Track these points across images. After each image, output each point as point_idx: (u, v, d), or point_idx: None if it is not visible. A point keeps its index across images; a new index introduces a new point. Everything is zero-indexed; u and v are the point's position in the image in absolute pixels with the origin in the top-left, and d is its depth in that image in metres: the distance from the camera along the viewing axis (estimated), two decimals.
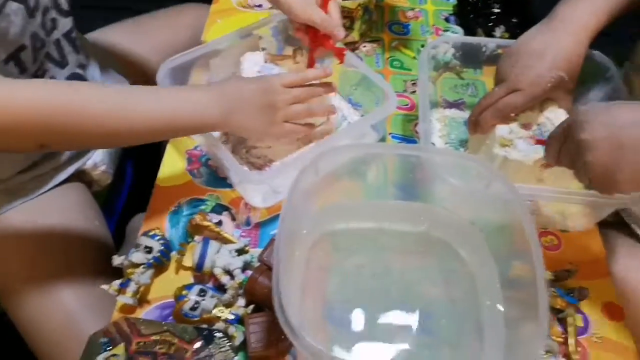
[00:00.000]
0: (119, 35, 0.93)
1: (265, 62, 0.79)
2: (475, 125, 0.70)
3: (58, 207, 0.77)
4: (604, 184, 0.55)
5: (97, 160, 0.84)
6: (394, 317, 0.59)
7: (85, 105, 0.57)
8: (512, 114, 0.68)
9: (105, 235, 0.82)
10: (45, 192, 0.77)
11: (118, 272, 0.67)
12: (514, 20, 0.92)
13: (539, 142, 0.67)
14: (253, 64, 0.79)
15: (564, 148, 0.58)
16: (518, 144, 0.67)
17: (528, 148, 0.67)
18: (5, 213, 0.73)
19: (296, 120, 0.69)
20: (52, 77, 0.73)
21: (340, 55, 0.74)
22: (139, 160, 1.02)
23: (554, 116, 0.68)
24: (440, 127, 0.80)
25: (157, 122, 0.61)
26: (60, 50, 0.73)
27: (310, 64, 0.74)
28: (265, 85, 0.68)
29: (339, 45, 0.74)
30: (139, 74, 0.92)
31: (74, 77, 0.77)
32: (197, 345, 0.54)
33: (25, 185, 0.75)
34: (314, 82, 0.71)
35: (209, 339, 0.54)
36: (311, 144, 0.76)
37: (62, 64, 0.74)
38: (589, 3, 0.68)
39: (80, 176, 0.83)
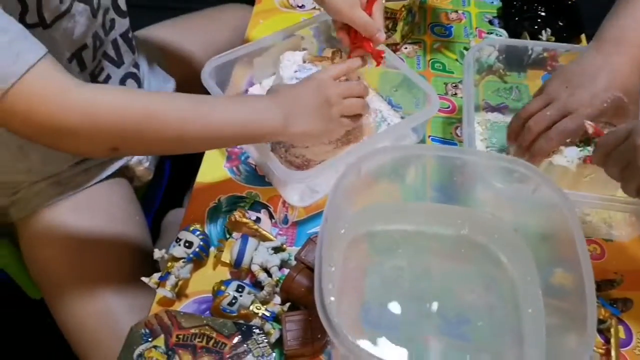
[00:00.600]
0: (164, 33, 0.95)
1: (304, 62, 0.80)
2: (528, 156, 0.67)
3: (102, 202, 0.79)
4: None
5: (141, 157, 0.86)
6: (431, 321, 0.58)
7: (161, 110, 0.58)
8: (568, 140, 0.65)
9: (144, 231, 0.84)
10: (91, 186, 0.79)
11: (155, 268, 0.68)
12: (560, 23, 0.90)
13: (597, 132, 0.63)
14: (292, 62, 0.79)
15: (618, 150, 0.55)
16: (564, 150, 0.65)
17: (574, 154, 0.65)
18: (54, 204, 0.76)
19: (351, 113, 0.70)
20: (108, 76, 0.75)
21: (378, 57, 0.74)
22: (176, 156, 1.04)
23: None
24: (482, 131, 0.79)
25: (226, 131, 0.63)
26: (117, 49, 0.76)
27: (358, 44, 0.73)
28: (315, 82, 0.68)
29: (379, 47, 0.74)
30: (183, 71, 0.94)
31: (129, 76, 0.79)
32: (236, 340, 0.54)
33: (74, 178, 0.77)
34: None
35: (247, 334, 0.55)
36: (350, 145, 0.76)
37: (118, 63, 0.76)
38: (631, 19, 0.65)
39: (123, 172, 0.85)
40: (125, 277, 0.74)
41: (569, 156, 0.64)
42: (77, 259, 0.74)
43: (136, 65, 0.80)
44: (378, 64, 0.75)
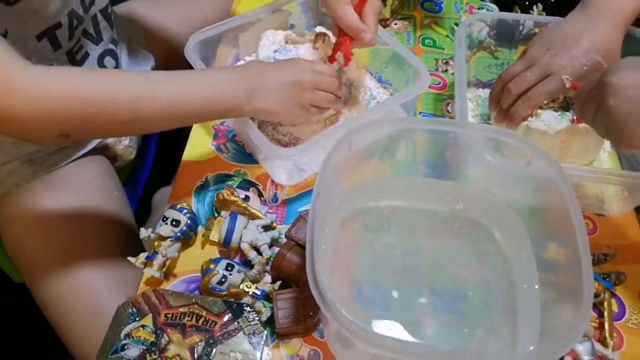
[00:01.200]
0: (144, 8, 0.92)
1: (286, 42, 0.77)
2: (507, 119, 0.67)
3: (78, 179, 0.77)
4: (619, 134, 0.52)
5: None
6: (425, 297, 0.58)
7: (110, 93, 0.55)
8: (545, 102, 0.65)
9: (125, 207, 0.81)
10: (66, 164, 0.77)
11: (139, 246, 0.66)
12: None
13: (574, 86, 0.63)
14: (271, 42, 0.77)
15: (590, 96, 0.55)
16: (542, 114, 0.65)
17: (551, 118, 0.65)
18: (28, 185, 0.73)
19: (321, 107, 0.68)
20: (86, 54, 0.72)
21: (346, 59, 0.70)
22: (162, 135, 1.02)
23: None
24: (473, 107, 0.78)
25: (183, 108, 0.60)
26: (96, 26, 0.73)
27: (331, 59, 0.71)
28: (293, 63, 0.67)
29: (355, 49, 0.70)
30: (166, 47, 0.91)
31: (107, 53, 0.76)
32: (226, 318, 0.53)
33: (49, 158, 0.75)
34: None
35: (237, 312, 0.53)
36: (338, 123, 0.75)
37: (96, 40, 0.74)
38: None
39: (104, 151, 0.83)
40: (107, 255, 0.72)
41: (546, 120, 0.64)
42: (54, 237, 0.72)
43: (114, 42, 0.77)
44: (345, 64, 0.72)
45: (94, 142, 0.80)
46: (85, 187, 0.77)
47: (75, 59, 0.71)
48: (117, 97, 0.56)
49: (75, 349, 0.71)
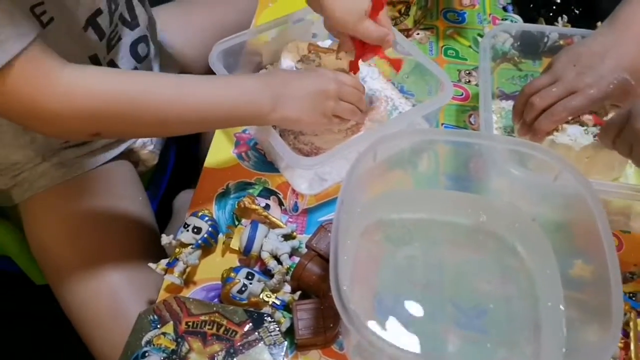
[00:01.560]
0: (168, 15, 0.93)
1: (310, 51, 0.77)
2: (530, 132, 0.66)
3: (105, 183, 0.78)
4: None
5: (146, 140, 0.85)
6: (446, 312, 0.57)
7: (141, 95, 0.57)
8: (570, 118, 0.64)
9: (148, 213, 0.82)
10: (94, 168, 0.78)
11: (160, 251, 0.67)
12: (577, 11, 0.88)
13: (597, 121, 0.64)
14: (294, 54, 0.77)
15: (623, 133, 0.55)
16: (568, 128, 0.64)
17: (577, 133, 0.64)
18: (56, 187, 0.74)
19: (344, 117, 0.68)
20: (119, 38, 0.73)
21: (397, 65, 0.72)
22: (181, 140, 1.03)
23: None
24: (497, 119, 0.77)
25: (211, 114, 0.61)
26: (132, 10, 0.73)
27: (354, 70, 0.72)
28: (318, 73, 0.67)
29: (394, 55, 0.72)
30: (190, 55, 0.92)
31: (142, 40, 0.76)
32: (247, 327, 0.53)
33: (79, 160, 0.76)
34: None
35: (258, 322, 0.53)
36: (360, 133, 0.75)
37: (132, 25, 0.74)
38: None
39: (128, 155, 0.84)
40: (130, 259, 0.73)
41: (572, 135, 0.63)
42: (81, 240, 0.73)
43: (148, 28, 0.78)
44: (397, 69, 0.74)
45: (122, 147, 0.80)
46: (112, 191, 0.78)
47: (111, 45, 0.72)
48: (148, 97, 0.57)
49: (96, 351, 0.71)
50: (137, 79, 0.60)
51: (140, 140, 0.83)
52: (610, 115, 0.65)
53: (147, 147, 0.85)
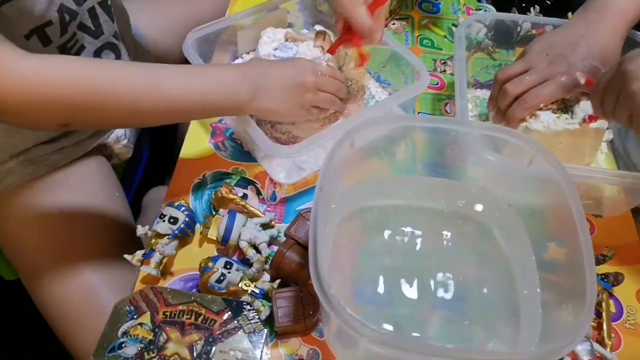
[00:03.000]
0: (144, 6, 0.91)
1: (287, 40, 0.77)
2: (505, 120, 0.67)
3: (79, 179, 0.76)
4: None
5: (120, 134, 0.83)
6: (425, 297, 0.57)
7: (110, 84, 0.55)
8: (542, 105, 0.65)
9: (125, 208, 0.81)
10: (66, 165, 0.76)
11: (138, 246, 0.65)
12: (548, 2, 0.89)
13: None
14: (272, 40, 0.77)
15: (609, 86, 0.55)
16: (541, 115, 0.65)
17: (550, 120, 0.65)
18: (27, 184, 0.72)
19: (323, 107, 0.68)
20: (82, 47, 0.71)
21: (362, 59, 0.72)
22: (156, 135, 1.01)
23: (588, 108, 0.66)
24: (472, 108, 0.78)
25: (184, 103, 0.59)
26: (95, 18, 0.71)
27: (332, 51, 0.72)
28: (296, 64, 0.67)
29: (366, 49, 0.72)
30: (165, 46, 0.90)
31: (107, 47, 0.74)
32: (226, 316, 0.52)
33: (48, 157, 0.74)
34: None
35: (237, 310, 0.53)
36: (337, 122, 0.74)
37: (96, 33, 0.72)
38: None
39: (100, 149, 0.82)
40: (106, 254, 0.71)
41: (545, 121, 0.64)
42: (55, 236, 0.71)
43: (116, 36, 0.76)
44: (361, 64, 0.74)
45: (95, 142, 0.79)
46: (85, 187, 0.76)
47: (69, 52, 0.70)
48: (117, 87, 0.55)
49: (72, 347, 0.70)
50: (107, 67, 0.58)
51: (113, 134, 0.82)
52: (580, 105, 0.66)
53: (121, 142, 0.83)
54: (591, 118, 0.63)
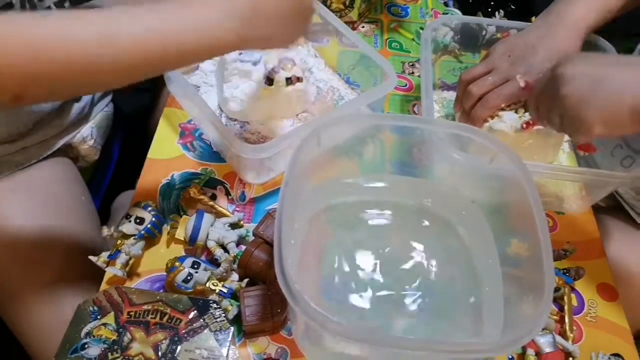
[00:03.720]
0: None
1: None
2: (469, 120, 0.69)
3: (43, 181, 0.75)
4: (574, 121, 0.53)
5: (86, 135, 0.82)
6: (392, 293, 0.58)
7: (62, 36, 0.45)
8: (503, 105, 0.67)
9: (92, 212, 0.80)
10: (30, 165, 0.74)
11: (105, 249, 0.64)
12: (512, 6, 0.92)
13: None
14: None
15: (543, 90, 0.57)
16: (503, 115, 0.67)
17: (512, 120, 0.67)
18: None
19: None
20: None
21: None
22: (126, 137, 1.00)
23: None
24: (438, 109, 0.80)
25: (149, 46, 0.47)
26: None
27: None
28: None
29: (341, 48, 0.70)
30: None
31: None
32: (192, 315, 0.52)
33: (12, 158, 0.72)
34: None
35: (203, 309, 0.52)
36: (307, 122, 0.75)
37: None
38: None
39: (66, 151, 0.81)
40: (72, 258, 0.70)
41: (508, 121, 0.66)
42: (16, 239, 0.69)
43: None
44: None
45: (59, 143, 0.77)
46: (51, 189, 0.74)
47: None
48: (68, 49, 0.45)
49: (35, 353, 0.68)
50: (55, 18, 0.47)
51: (79, 135, 0.80)
52: None
53: (87, 142, 0.82)
54: (528, 124, 0.65)
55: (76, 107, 0.78)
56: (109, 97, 0.88)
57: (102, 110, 0.85)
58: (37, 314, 0.68)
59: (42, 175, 0.75)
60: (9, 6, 0.62)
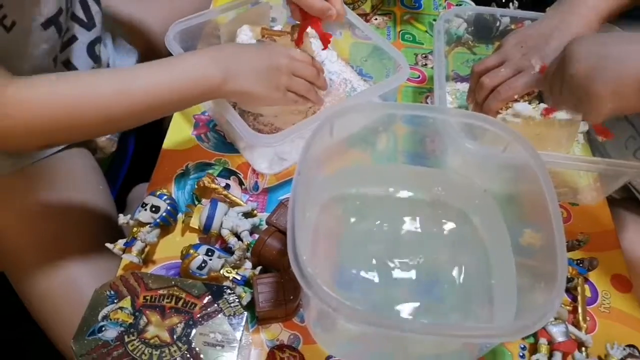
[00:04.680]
0: (125, 2, 0.91)
1: (263, 37, 0.77)
2: (482, 111, 0.68)
3: (61, 171, 0.76)
4: (585, 98, 0.54)
5: None
6: (404, 282, 0.58)
7: (84, 100, 0.55)
8: (516, 96, 0.67)
9: (109, 201, 0.81)
10: (49, 156, 0.76)
11: (121, 237, 0.65)
12: None
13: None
14: (248, 37, 0.77)
15: (555, 71, 0.57)
16: (516, 106, 0.66)
17: (526, 110, 0.66)
18: (8, 175, 0.72)
19: (299, 93, 0.68)
20: (74, 37, 0.71)
21: (324, 41, 0.71)
22: (141, 130, 1.01)
23: None
24: (452, 100, 0.79)
25: (156, 96, 0.59)
26: (87, 10, 0.71)
27: (299, 42, 0.71)
28: (269, 48, 0.67)
29: (330, 30, 0.71)
30: (145, 43, 0.90)
31: (98, 40, 0.74)
32: (206, 300, 0.53)
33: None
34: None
35: (217, 294, 0.53)
36: (317, 114, 0.75)
37: (88, 25, 0.72)
38: None
39: (85, 142, 0.82)
40: (89, 246, 0.71)
41: (521, 112, 0.66)
42: (36, 229, 0.70)
43: (105, 28, 0.76)
44: (325, 47, 0.72)
45: None
46: (69, 179, 0.76)
47: (68, 47, 0.70)
48: (89, 101, 0.56)
49: (54, 337, 0.69)
50: (77, 82, 0.58)
51: None
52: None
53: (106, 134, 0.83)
54: (548, 110, 0.65)
55: None
56: None
57: None
58: (57, 298, 0.69)
59: (60, 165, 0.76)
60: (60, 12, 0.64)
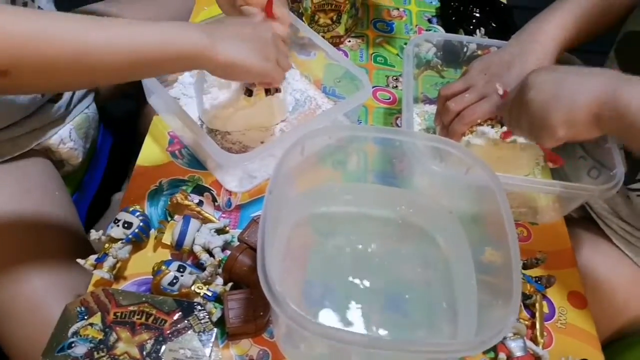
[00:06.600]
0: (108, 4, 0.91)
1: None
2: (448, 135, 0.71)
3: (12, 177, 0.75)
4: (539, 125, 0.57)
5: (64, 136, 0.82)
6: (372, 299, 0.60)
7: (55, 28, 0.49)
8: (479, 120, 0.70)
9: (69, 208, 0.80)
10: (3, 162, 0.75)
11: (86, 249, 0.65)
12: (493, 24, 0.95)
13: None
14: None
15: (514, 98, 0.61)
16: (480, 129, 0.69)
17: (489, 134, 0.69)
18: None
19: (284, 66, 0.66)
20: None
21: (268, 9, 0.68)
22: (114, 143, 1.02)
23: None
24: (420, 122, 0.82)
25: (137, 50, 0.53)
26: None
27: (270, 14, 0.68)
28: (254, 22, 0.65)
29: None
30: None
31: None
32: (176, 316, 0.54)
33: None
34: None
35: (188, 310, 0.54)
36: (287, 132, 0.77)
37: None
38: (558, 18, 0.71)
39: (46, 153, 0.81)
40: (50, 257, 0.70)
41: (484, 135, 0.69)
42: None
43: None
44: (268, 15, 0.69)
45: (32, 142, 0.78)
46: (21, 186, 0.74)
47: None
48: (62, 32, 0.50)
49: (23, 354, 0.69)
50: (50, 14, 0.52)
51: (56, 136, 0.80)
52: None
53: (66, 144, 0.82)
54: (506, 134, 0.68)
55: (53, 108, 0.79)
56: (90, 99, 0.88)
57: (82, 112, 0.85)
58: (16, 313, 0.68)
59: (11, 172, 0.75)
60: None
